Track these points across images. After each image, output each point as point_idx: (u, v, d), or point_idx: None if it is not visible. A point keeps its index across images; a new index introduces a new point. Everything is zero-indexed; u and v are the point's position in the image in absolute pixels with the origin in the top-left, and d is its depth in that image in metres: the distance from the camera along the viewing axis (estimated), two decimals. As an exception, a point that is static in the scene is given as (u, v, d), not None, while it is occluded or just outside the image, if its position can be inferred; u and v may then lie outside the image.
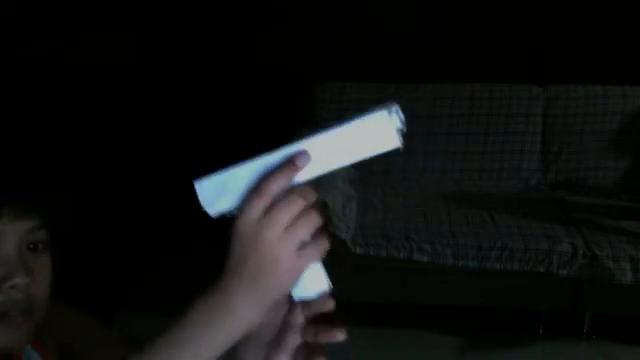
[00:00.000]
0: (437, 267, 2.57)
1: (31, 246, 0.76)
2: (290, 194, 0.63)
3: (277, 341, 0.70)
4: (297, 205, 0.63)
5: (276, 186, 0.63)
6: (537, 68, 3.18)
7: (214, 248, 0.75)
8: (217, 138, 3.35)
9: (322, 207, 2.25)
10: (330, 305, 0.73)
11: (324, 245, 0.66)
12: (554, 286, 2.61)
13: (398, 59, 3.20)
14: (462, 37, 3.18)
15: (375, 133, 0.64)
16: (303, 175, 0.64)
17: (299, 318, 0.71)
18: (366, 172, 3.10)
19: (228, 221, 0.64)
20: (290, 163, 0.63)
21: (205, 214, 0.66)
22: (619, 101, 3.09)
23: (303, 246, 0.64)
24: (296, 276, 0.66)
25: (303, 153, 0.63)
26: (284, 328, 0.70)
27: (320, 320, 0.71)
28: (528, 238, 2.57)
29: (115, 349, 0.94)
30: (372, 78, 3.15)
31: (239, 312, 0.64)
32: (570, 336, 2.74)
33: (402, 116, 0.64)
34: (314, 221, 0.64)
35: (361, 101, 3.11)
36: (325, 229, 0.66)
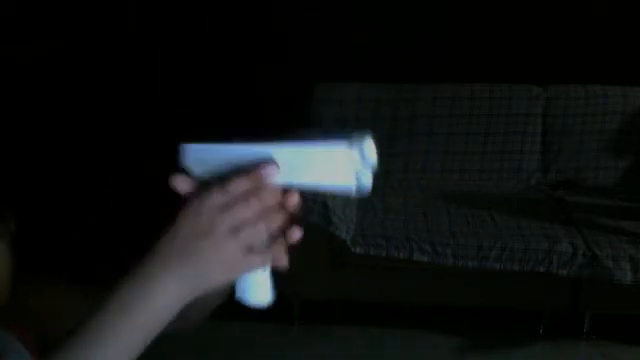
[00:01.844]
0: (437, 267, 2.56)
1: None
2: (251, 194, 0.64)
3: None
4: (253, 209, 0.64)
5: (241, 187, 0.64)
6: (537, 68, 3.18)
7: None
8: (217, 138, 3.35)
9: (322, 207, 2.25)
10: None
11: (278, 252, 0.67)
12: (554, 286, 2.61)
13: (398, 59, 3.20)
14: (462, 37, 3.18)
15: (332, 164, 0.64)
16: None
17: None
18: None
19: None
20: (258, 171, 0.65)
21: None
22: (619, 101, 3.09)
23: (253, 249, 0.64)
24: (234, 275, 0.66)
25: (272, 166, 0.65)
26: None
27: None
28: (528, 238, 2.57)
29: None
30: (372, 78, 3.15)
31: (162, 297, 0.64)
32: (570, 336, 2.74)
33: (372, 151, 0.64)
34: (267, 227, 0.65)
35: (361, 101, 3.12)
36: (288, 231, 0.67)
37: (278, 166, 0.65)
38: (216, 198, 0.64)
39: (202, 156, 0.69)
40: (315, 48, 3.22)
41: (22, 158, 3.14)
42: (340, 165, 0.63)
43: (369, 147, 0.64)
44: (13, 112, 3.16)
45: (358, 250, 2.54)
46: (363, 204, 2.83)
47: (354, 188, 0.64)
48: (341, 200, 2.60)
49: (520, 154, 3.12)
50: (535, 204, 2.90)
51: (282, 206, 0.67)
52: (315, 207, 2.43)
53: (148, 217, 3.27)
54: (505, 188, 3.08)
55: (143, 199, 3.29)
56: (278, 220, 0.66)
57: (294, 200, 0.67)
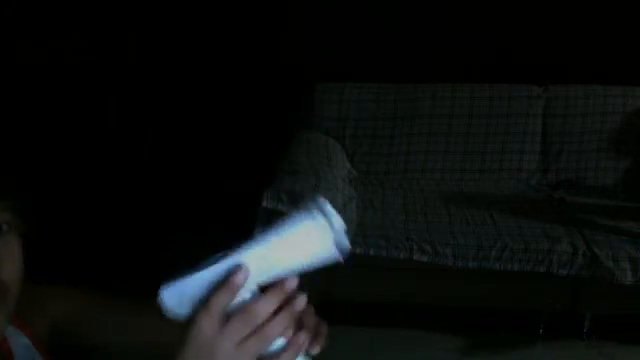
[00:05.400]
0: (437, 267, 2.56)
1: None
2: (247, 306, 0.65)
3: None
4: (252, 320, 0.65)
5: (222, 302, 0.65)
6: (537, 68, 3.18)
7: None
8: (217, 138, 3.35)
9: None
10: None
11: (295, 351, 0.67)
12: (554, 286, 2.61)
13: (398, 59, 3.20)
14: (462, 37, 3.18)
15: (307, 239, 0.65)
16: (254, 279, 0.66)
17: None
18: (366, 172, 3.10)
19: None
20: (230, 280, 0.65)
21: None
22: (619, 101, 3.09)
23: (264, 356, 0.66)
24: None
25: (240, 269, 0.65)
26: None
27: None
28: (528, 238, 2.57)
29: (105, 313, 0.96)
30: (372, 78, 3.15)
31: None
32: (570, 336, 2.74)
33: (332, 212, 0.65)
34: (270, 335, 0.65)
35: (361, 101, 3.12)
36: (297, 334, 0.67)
37: (247, 268, 0.65)
38: (207, 322, 0.64)
39: (180, 295, 0.67)
40: (315, 48, 3.22)
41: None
42: (314, 236, 0.65)
43: (328, 209, 0.65)
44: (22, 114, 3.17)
45: (358, 250, 2.54)
46: (363, 204, 2.83)
47: (337, 253, 0.65)
48: (341, 200, 2.60)
49: (520, 154, 3.12)
50: (535, 204, 2.90)
51: (288, 302, 0.67)
52: (315, 207, 2.42)
53: (148, 217, 3.26)
54: (505, 188, 3.08)
55: (141, 198, 3.29)
56: (284, 321, 0.66)
57: (291, 284, 0.67)
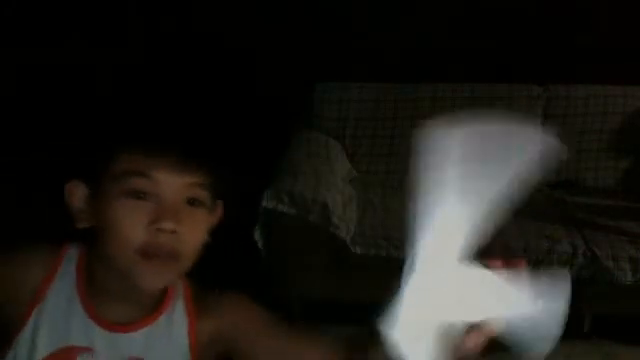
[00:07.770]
0: (437, 267, 2.56)
1: (190, 201, 0.85)
2: None
3: None
4: None
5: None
6: (537, 68, 3.18)
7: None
8: (217, 138, 3.35)
9: (322, 207, 2.24)
10: None
11: None
12: (554, 286, 2.60)
13: (398, 59, 3.20)
14: (462, 37, 3.18)
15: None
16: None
17: None
18: (366, 172, 3.10)
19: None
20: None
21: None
22: (619, 101, 3.09)
23: None
24: None
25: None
26: None
27: None
28: (528, 238, 2.57)
29: (275, 341, 0.97)
30: (372, 78, 3.15)
31: None
32: (570, 336, 2.73)
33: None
34: None
35: (361, 101, 3.12)
36: None
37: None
38: None
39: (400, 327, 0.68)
40: (315, 48, 3.22)
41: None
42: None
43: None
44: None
45: (358, 250, 2.54)
46: (363, 204, 2.82)
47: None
48: (341, 200, 2.60)
49: (520, 154, 3.11)
50: (535, 204, 2.90)
51: None
52: (315, 207, 2.43)
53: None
54: (505, 188, 3.07)
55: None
56: None
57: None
